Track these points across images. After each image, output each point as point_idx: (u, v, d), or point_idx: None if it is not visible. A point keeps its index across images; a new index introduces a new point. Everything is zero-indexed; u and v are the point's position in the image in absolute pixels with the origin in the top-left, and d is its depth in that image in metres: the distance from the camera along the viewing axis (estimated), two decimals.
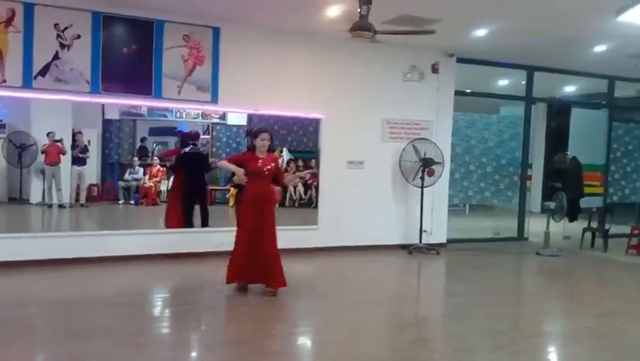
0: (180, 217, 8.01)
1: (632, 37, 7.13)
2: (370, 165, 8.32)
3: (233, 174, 5.81)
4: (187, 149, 8.36)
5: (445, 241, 8.86)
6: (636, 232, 9.06)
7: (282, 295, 5.75)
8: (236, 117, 11.42)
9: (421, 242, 8.34)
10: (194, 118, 11.44)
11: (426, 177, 8.25)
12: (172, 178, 9.32)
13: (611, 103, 10.59)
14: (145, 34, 7.03)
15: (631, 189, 10.79)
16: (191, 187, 8.23)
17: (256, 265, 5.57)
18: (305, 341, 4.86)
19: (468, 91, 9.44)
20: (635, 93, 11.71)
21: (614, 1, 5.76)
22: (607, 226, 9.23)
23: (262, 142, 5.61)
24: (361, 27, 6.06)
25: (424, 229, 8.35)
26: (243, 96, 7.53)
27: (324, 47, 7.90)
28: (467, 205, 12.21)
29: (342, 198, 8.16)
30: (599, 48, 8.08)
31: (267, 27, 7.46)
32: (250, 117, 10.81)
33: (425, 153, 8.23)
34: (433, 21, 6.66)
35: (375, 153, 8.34)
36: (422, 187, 8.27)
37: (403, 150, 8.29)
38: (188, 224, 7.96)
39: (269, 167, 5.61)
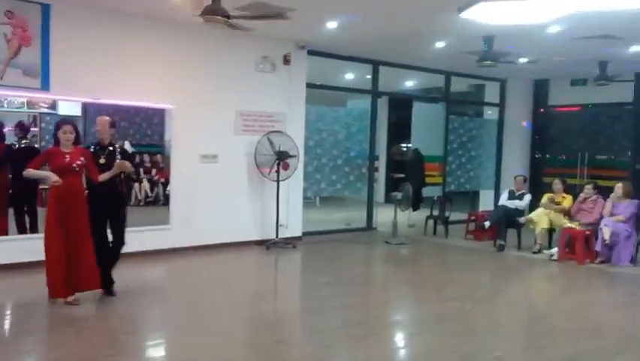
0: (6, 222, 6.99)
1: (469, 35, 7.55)
2: (225, 159, 7.96)
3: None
4: (16, 144, 7.40)
5: (300, 235, 8.81)
6: (473, 218, 9.77)
7: (131, 303, 5.23)
8: (69, 107, 10.28)
9: (277, 237, 8.20)
10: (17, 108, 10.06)
11: (281, 170, 8.10)
12: None
13: (447, 97, 11.29)
14: None
15: (466, 179, 11.65)
16: (22, 187, 7.22)
17: (76, 271, 5.10)
18: (160, 353, 4.42)
19: (318, 83, 9.46)
20: (468, 88, 12.68)
21: None
22: (447, 214, 9.85)
23: (65, 135, 5.12)
24: (213, 11, 5.72)
25: (280, 223, 8.22)
26: (80, 83, 6.76)
27: (174, 33, 7.39)
28: (318, 197, 12.38)
29: (196, 195, 7.72)
30: (439, 44, 8.49)
31: (109, 7, 6.75)
32: (85, 107, 9.80)
33: (280, 146, 8.07)
34: (286, 10, 6.50)
35: (230, 146, 8.01)
36: (278, 181, 8.11)
37: (258, 143, 8.06)
38: (21, 229, 7.00)
39: (78, 162, 5.13)
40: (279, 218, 8.21)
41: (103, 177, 5.27)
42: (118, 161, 5.34)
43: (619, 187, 7.86)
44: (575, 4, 5.59)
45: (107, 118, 5.59)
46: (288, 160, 8.14)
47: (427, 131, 11.38)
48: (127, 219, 5.61)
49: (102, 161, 5.37)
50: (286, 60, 8.50)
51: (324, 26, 7.48)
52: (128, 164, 5.40)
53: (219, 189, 7.91)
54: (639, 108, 10.57)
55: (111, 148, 5.49)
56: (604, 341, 4.80)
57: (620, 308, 5.87)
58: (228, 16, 5.75)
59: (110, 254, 5.51)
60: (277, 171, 8.09)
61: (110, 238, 5.51)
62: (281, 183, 8.17)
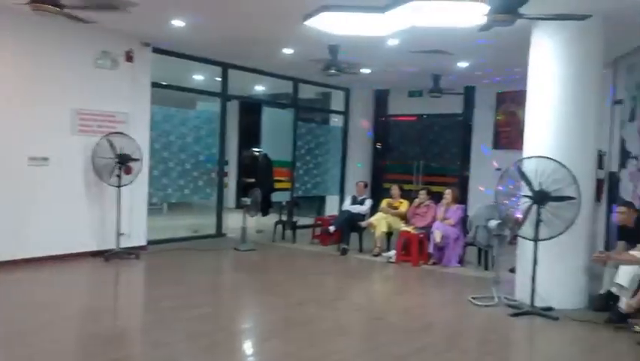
0: None
1: (315, 43, 7.72)
2: (58, 162, 7.30)
3: None
4: None
5: (145, 244, 8.36)
6: (319, 222, 10.01)
7: None
8: None
9: (118, 247, 7.68)
10: None
11: (123, 175, 7.62)
12: None
13: (295, 103, 11.48)
14: None
15: (313, 184, 11.93)
16: None
17: None
18: None
19: (165, 83, 9.10)
20: (315, 95, 13.03)
21: (303, 6, 6.12)
22: (295, 219, 9.99)
23: None
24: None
25: (121, 231, 7.71)
26: None
27: (2, 21, 6.63)
28: (165, 204, 11.90)
29: (23, 202, 6.96)
30: (287, 51, 8.59)
31: None
32: None
33: (122, 149, 7.59)
34: (128, 4, 6.14)
35: (64, 147, 7.36)
36: (119, 186, 7.63)
37: (97, 144, 7.52)
38: None
39: None
40: (121, 226, 7.70)
41: None
42: None
43: (448, 193, 8.53)
44: (409, 19, 5.97)
45: None
46: (131, 164, 7.68)
47: (276, 136, 11.48)
48: None
49: None
50: (129, 57, 8.03)
51: (170, 24, 7.19)
52: None
53: (51, 196, 7.24)
54: (467, 119, 11.63)
55: None
56: (436, 338, 5.18)
57: (449, 306, 6.35)
58: (61, 6, 5.29)
59: None
60: (118, 176, 7.60)
61: None
62: (123, 188, 7.67)
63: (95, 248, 7.70)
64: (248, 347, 4.95)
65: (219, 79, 9.84)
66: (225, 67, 9.73)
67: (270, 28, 7.25)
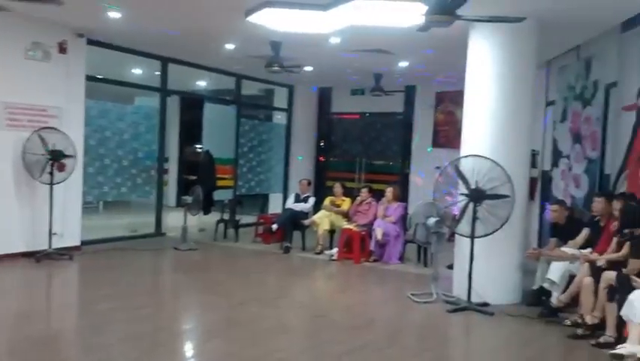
0: None
1: (257, 39, 7.64)
2: None
3: None
4: None
5: (79, 244, 8.04)
6: (261, 220, 9.94)
7: None
8: None
9: (50, 247, 7.35)
10: None
11: (56, 172, 7.31)
12: None
13: (238, 100, 11.35)
14: None
15: (256, 182, 11.83)
16: None
17: None
18: None
19: (100, 77, 8.77)
20: (258, 92, 12.92)
21: (245, 2, 6.04)
22: (237, 217, 9.86)
23: None
24: None
25: (53, 231, 7.37)
26: None
27: None
28: (101, 202, 11.50)
29: None
30: (229, 46, 8.46)
31: None
32: None
33: (54, 145, 7.27)
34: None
35: None
36: (51, 184, 7.30)
37: (27, 140, 7.17)
38: None
39: None
40: (53, 226, 7.37)
41: None
42: None
43: (389, 191, 8.65)
44: (350, 17, 6.00)
45: None
46: (64, 160, 7.37)
47: (218, 133, 11.31)
48: None
49: None
50: (62, 48, 7.69)
51: (105, 15, 6.92)
52: None
53: None
54: (408, 118, 11.82)
55: None
56: (377, 335, 5.24)
57: (390, 303, 6.44)
58: None
59: None
60: (50, 173, 7.27)
61: None
62: (56, 186, 7.35)
63: (25, 249, 7.34)
64: (189, 348, 4.87)
65: (159, 73, 9.59)
66: (165, 61, 9.49)
67: (211, 22, 7.11)
